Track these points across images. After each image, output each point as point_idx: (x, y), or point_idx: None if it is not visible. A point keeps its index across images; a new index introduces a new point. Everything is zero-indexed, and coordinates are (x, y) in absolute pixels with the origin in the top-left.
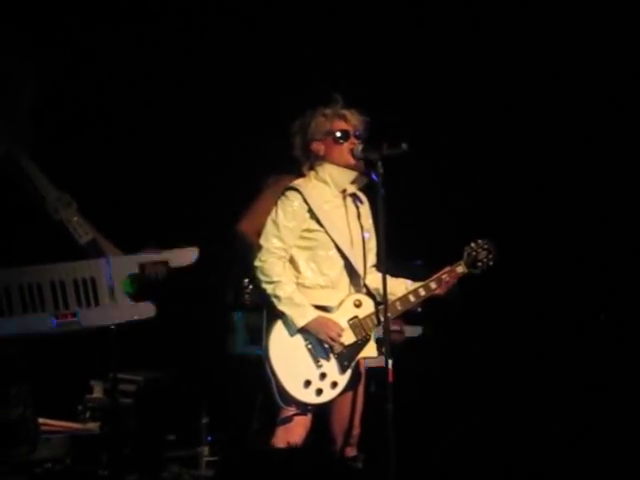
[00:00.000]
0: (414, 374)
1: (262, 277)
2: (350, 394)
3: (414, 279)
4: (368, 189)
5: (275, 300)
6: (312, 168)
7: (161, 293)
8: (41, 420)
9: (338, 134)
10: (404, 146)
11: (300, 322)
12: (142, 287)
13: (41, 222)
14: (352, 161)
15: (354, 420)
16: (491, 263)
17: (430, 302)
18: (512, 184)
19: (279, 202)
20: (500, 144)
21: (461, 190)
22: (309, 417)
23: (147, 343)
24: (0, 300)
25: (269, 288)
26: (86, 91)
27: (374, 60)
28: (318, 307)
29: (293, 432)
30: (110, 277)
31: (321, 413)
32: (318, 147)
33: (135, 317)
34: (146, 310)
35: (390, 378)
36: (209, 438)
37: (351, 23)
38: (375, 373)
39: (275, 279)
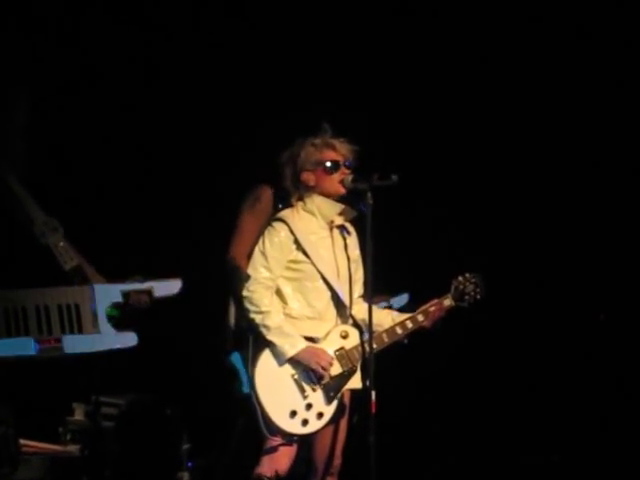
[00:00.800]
0: (398, 403)
1: (251, 307)
2: (332, 424)
3: (401, 311)
4: (357, 220)
5: (264, 330)
6: (300, 199)
7: (144, 322)
8: (22, 441)
9: (328, 164)
10: (394, 177)
11: (290, 352)
12: (125, 316)
13: (27, 245)
14: (342, 191)
15: (335, 450)
16: (478, 297)
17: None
18: (507, 188)
19: (266, 232)
20: (490, 171)
21: (451, 221)
22: (294, 447)
23: (130, 366)
24: None
25: (258, 318)
26: (75, 112)
27: (364, 87)
28: (305, 338)
29: (279, 462)
30: (94, 305)
31: (303, 442)
32: (308, 177)
33: (117, 346)
34: (128, 339)
35: (373, 409)
36: (189, 464)
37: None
38: (359, 404)
39: (264, 309)
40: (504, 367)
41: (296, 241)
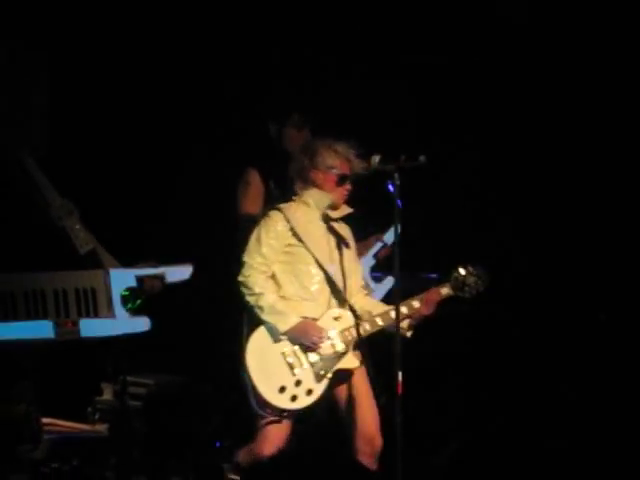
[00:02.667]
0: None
1: (245, 290)
2: (369, 407)
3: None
4: (384, 202)
5: (258, 311)
6: (302, 193)
7: (155, 308)
8: (50, 420)
9: (340, 177)
10: (422, 158)
11: (283, 327)
12: (141, 301)
13: (43, 228)
14: (341, 203)
15: (376, 432)
16: (481, 289)
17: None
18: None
19: (262, 221)
20: (514, 154)
21: (477, 202)
22: (287, 425)
23: (159, 347)
24: (6, 304)
25: (252, 300)
26: (92, 96)
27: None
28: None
29: (272, 439)
30: (109, 289)
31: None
32: (317, 176)
33: (131, 330)
34: (141, 324)
35: (399, 390)
36: (217, 444)
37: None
38: (387, 386)
39: (257, 291)
40: (524, 352)
41: (291, 229)
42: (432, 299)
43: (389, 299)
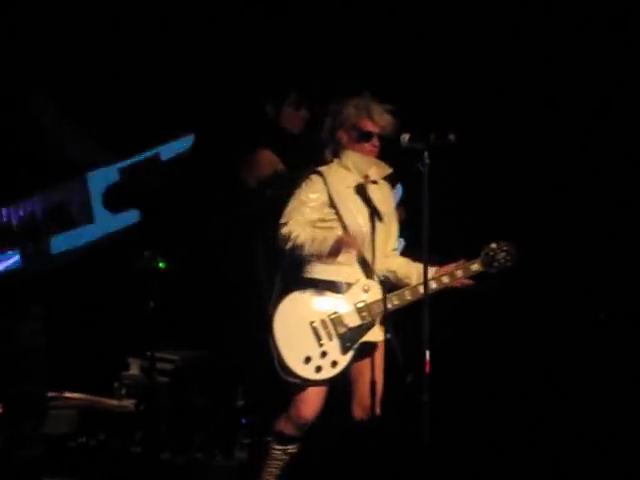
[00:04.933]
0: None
1: (283, 243)
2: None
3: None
4: (413, 179)
5: (300, 249)
6: (336, 155)
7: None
8: (77, 395)
9: (361, 134)
10: (452, 137)
11: (326, 249)
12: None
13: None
14: (371, 159)
15: (374, 406)
16: (509, 264)
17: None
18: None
19: (303, 184)
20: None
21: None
22: (324, 387)
23: (186, 322)
24: None
25: (290, 244)
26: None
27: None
28: (329, 282)
29: (311, 402)
30: (85, 195)
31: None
32: (342, 136)
33: (116, 228)
34: (128, 218)
35: (427, 369)
36: (243, 421)
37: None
38: (414, 364)
39: (294, 235)
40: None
41: (329, 194)
42: (462, 275)
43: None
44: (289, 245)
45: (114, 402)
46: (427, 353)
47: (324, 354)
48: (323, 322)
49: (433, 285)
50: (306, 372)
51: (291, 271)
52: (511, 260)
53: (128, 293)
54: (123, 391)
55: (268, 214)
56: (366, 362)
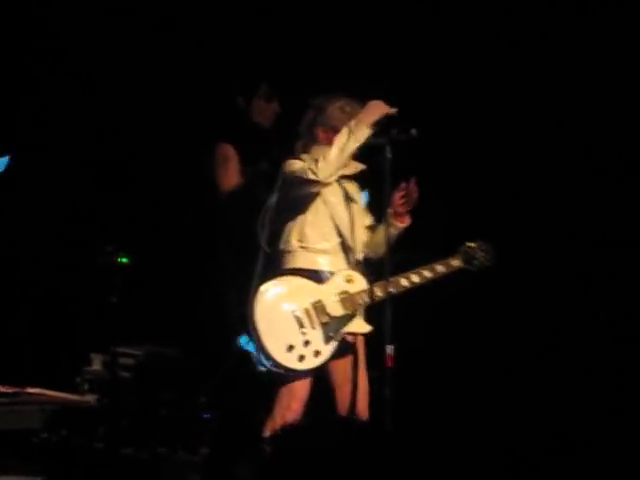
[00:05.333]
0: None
1: (314, 171)
2: (350, 383)
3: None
4: (375, 175)
5: (336, 158)
6: (306, 149)
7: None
8: (38, 390)
9: None
10: (413, 132)
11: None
12: None
13: None
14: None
15: (360, 407)
16: (487, 264)
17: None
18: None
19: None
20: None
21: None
22: (309, 381)
23: (149, 318)
24: None
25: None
26: None
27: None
28: (312, 272)
29: (297, 395)
30: None
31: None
32: (319, 133)
33: None
34: None
35: (389, 363)
36: (206, 416)
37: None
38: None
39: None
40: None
41: None
42: (443, 270)
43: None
44: (320, 166)
45: (76, 397)
46: (389, 348)
47: (307, 343)
48: (306, 310)
49: (415, 279)
50: (289, 361)
51: (273, 260)
52: (490, 260)
53: (90, 288)
54: (85, 386)
55: (229, 209)
56: (349, 363)
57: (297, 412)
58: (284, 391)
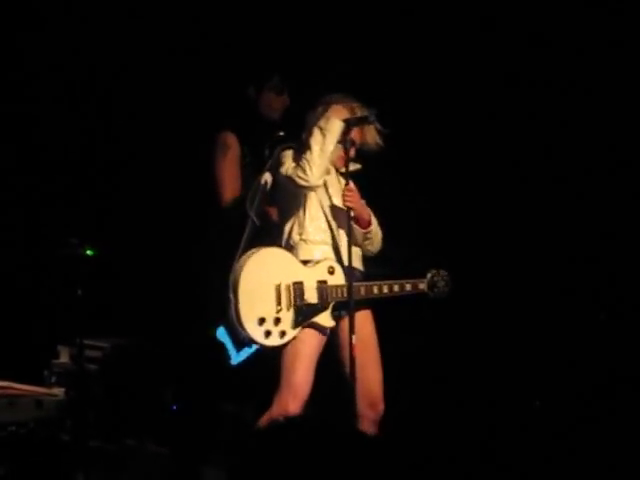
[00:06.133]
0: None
1: (302, 177)
2: (375, 370)
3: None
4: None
5: (314, 160)
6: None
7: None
8: (5, 383)
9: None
10: (372, 117)
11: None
12: None
13: None
14: (339, 165)
15: (378, 393)
16: (444, 296)
17: None
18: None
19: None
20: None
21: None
22: (310, 377)
23: (116, 310)
24: None
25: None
26: None
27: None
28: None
29: (297, 391)
30: None
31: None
32: None
33: None
34: None
35: (354, 352)
36: (174, 407)
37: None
38: None
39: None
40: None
41: None
42: (409, 289)
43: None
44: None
45: (44, 390)
46: (353, 337)
47: (277, 321)
48: (287, 287)
49: (385, 290)
50: (256, 334)
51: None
52: (447, 291)
53: (56, 281)
54: (53, 379)
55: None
56: (366, 357)
57: (295, 412)
58: (284, 389)
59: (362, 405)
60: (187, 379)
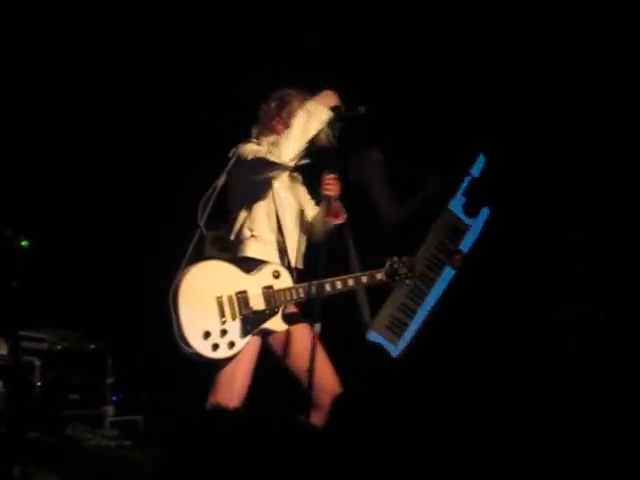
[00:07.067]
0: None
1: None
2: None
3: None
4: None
5: (292, 147)
6: (258, 137)
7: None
8: None
9: None
10: (361, 109)
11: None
12: None
13: None
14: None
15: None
16: (407, 281)
17: None
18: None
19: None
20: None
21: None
22: (248, 370)
23: (53, 301)
24: None
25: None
26: None
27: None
28: (261, 262)
29: (235, 382)
30: None
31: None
32: (276, 125)
33: None
34: None
35: (316, 340)
36: (113, 398)
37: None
38: None
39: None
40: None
41: None
42: (366, 282)
43: None
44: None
45: None
46: (317, 326)
47: (224, 333)
48: (230, 299)
49: (339, 285)
50: (203, 348)
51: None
52: (411, 276)
53: None
54: None
55: None
56: (303, 352)
57: (235, 400)
58: (225, 393)
59: (322, 394)
60: (126, 371)
